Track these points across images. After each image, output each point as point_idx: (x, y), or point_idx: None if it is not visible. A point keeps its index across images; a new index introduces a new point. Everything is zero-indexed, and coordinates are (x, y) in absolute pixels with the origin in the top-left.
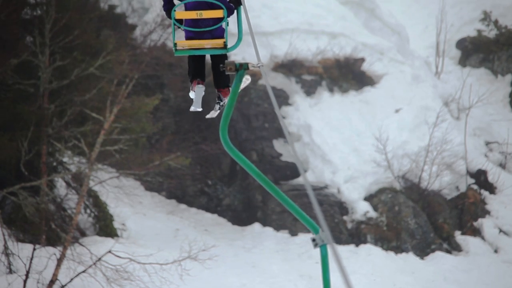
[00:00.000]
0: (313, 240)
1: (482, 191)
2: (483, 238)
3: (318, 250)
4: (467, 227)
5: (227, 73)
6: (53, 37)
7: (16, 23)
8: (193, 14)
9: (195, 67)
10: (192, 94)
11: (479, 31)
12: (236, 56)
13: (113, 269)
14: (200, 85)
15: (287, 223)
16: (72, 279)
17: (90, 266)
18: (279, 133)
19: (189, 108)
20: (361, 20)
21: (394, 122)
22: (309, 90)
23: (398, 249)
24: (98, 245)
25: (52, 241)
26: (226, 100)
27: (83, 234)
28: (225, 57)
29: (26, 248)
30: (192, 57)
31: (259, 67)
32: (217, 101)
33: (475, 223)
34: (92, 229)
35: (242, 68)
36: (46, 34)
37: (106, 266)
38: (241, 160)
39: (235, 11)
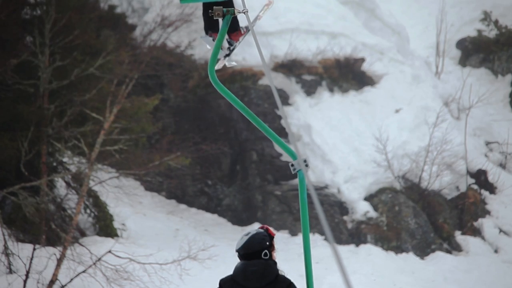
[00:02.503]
0: (292, 165)
1: (482, 191)
2: (483, 238)
3: (318, 250)
4: (467, 227)
5: (215, 18)
6: (53, 37)
7: (16, 23)
8: None
9: (207, 21)
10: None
11: (479, 31)
12: (236, 56)
13: (113, 269)
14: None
15: (287, 223)
16: (72, 279)
17: (90, 266)
18: (280, 133)
19: (189, 108)
20: (361, 20)
21: (394, 122)
22: (309, 90)
23: (398, 249)
24: (98, 245)
25: (52, 241)
26: (236, 44)
27: (83, 234)
28: (230, 3)
29: (26, 248)
30: (204, 8)
31: (244, 12)
32: (228, 46)
33: (475, 223)
34: (92, 229)
35: (229, 13)
36: (46, 34)
37: (106, 266)
38: (227, 95)
39: None
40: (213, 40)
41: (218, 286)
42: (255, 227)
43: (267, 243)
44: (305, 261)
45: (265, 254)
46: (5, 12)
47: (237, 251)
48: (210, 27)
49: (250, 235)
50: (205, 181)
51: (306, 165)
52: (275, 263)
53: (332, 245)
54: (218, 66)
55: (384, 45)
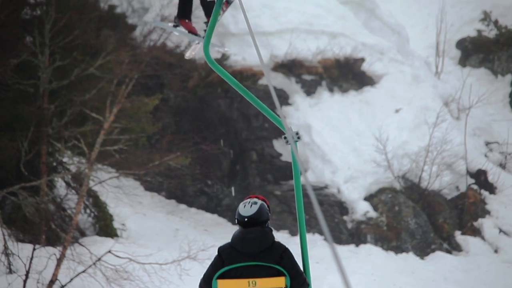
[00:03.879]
0: (285, 137)
1: (482, 191)
2: (483, 238)
3: (318, 250)
4: (467, 227)
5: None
6: (53, 37)
7: (16, 23)
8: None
9: (182, 7)
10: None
11: (479, 31)
12: (236, 56)
13: (113, 269)
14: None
15: (287, 223)
16: (72, 279)
17: (90, 266)
18: (279, 133)
19: (189, 108)
20: (361, 20)
21: (394, 122)
22: (309, 90)
23: (398, 249)
24: (98, 245)
25: (52, 241)
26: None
27: (83, 234)
28: None
29: (26, 248)
30: None
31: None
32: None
33: (475, 223)
34: (92, 229)
35: None
36: (46, 34)
37: (106, 266)
38: (221, 72)
39: None
40: (180, 27)
41: (217, 253)
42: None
43: (269, 214)
44: (300, 237)
45: (267, 223)
46: (5, 12)
47: (244, 218)
48: (183, 14)
49: (258, 205)
50: (205, 181)
51: (298, 138)
52: (271, 230)
53: (326, 234)
54: (189, 53)
55: (384, 45)
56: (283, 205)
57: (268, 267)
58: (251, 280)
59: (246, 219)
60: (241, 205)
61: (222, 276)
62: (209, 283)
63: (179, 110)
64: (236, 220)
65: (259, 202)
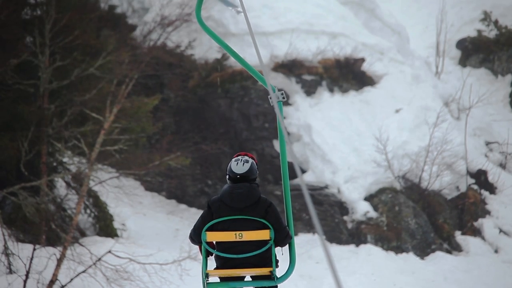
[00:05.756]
0: (270, 98)
1: (482, 191)
2: (483, 238)
3: (318, 250)
4: (467, 227)
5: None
6: (53, 37)
7: (16, 23)
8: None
9: None
10: None
11: (479, 31)
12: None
13: (113, 269)
14: None
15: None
16: (72, 279)
17: (90, 266)
18: (277, 133)
19: (189, 108)
20: (361, 20)
21: (394, 122)
22: (309, 90)
23: (398, 249)
24: (98, 245)
25: (52, 241)
26: None
27: (83, 234)
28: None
29: (26, 248)
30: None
31: (238, 12)
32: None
33: (475, 223)
34: (92, 229)
35: None
36: (46, 34)
37: (106, 266)
38: (213, 36)
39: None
40: None
41: (207, 206)
42: None
43: (257, 172)
44: (284, 194)
45: (255, 180)
46: (5, 12)
47: (237, 175)
48: None
49: (249, 164)
50: (205, 181)
51: (284, 98)
52: (258, 185)
53: (316, 226)
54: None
55: (384, 45)
56: (283, 205)
57: (254, 220)
58: (238, 232)
59: (238, 176)
60: (233, 162)
61: (210, 229)
62: (199, 233)
63: (179, 110)
64: (227, 176)
65: (250, 161)
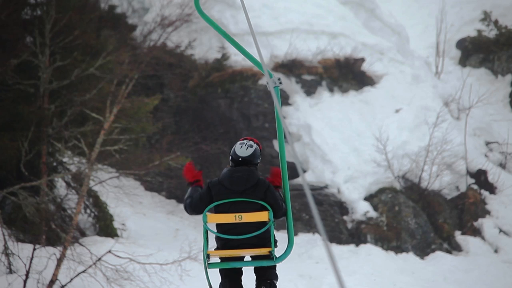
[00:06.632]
0: (267, 83)
1: (482, 191)
2: (483, 238)
3: (318, 250)
4: (467, 227)
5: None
6: (53, 37)
7: (16, 23)
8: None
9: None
10: None
11: (479, 31)
12: (236, 56)
13: (113, 269)
14: None
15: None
16: (72, 279)
17: (90, 266)
18: (277, 133)
19: (189, 108)
20: (361, 20)
21: (394, 122)
22: (309, 90)
23: (398, 249)
24: (98, 245)
25: (52, 241)
26: None
27: (83, 234)
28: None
29: (26, 248)
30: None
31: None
32: None
33: (475, 223)
34: (92, 229)
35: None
36: (46, 34)
37: (106, 266)
38: (210, 22)
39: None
40: None
41: (207, 186)
42: None
43: (260, 158)
44: (281, 169)
45: (257, 165)
46: (5, 12)
47: (239, 158)
48: None
49: (253, 148)
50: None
51: (280, 83)
52: (256, 169)
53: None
54: None
55: (384, 45)
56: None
57: (253, 202)
58: (237, 214)
59: (240, 159)
60: (238, 145)
61: (211, 210)
62: (197, 210)
63: (179, 110)
64: (230, 157)
65: (255, 146)
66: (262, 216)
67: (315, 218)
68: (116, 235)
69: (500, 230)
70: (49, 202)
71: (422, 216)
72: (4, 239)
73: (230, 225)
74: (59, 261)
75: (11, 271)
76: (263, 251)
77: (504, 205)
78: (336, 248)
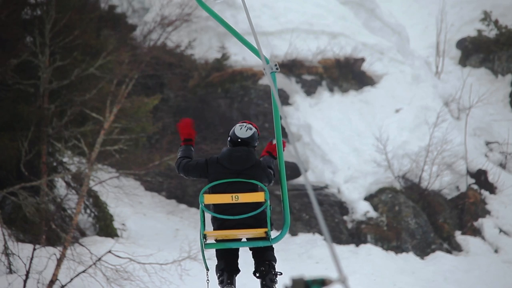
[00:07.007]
0: (264, 69)
1: (482, 191)
2: (483, 238)
3: (318, 250)
4: (467, 227)
5: None
6: (53, 37)
7: (16, 23)
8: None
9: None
10: None
11: (479, 31)
12: (236, 56)
13: (113, 269)
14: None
15: None
16: (72, 279)
17: (90, 266)
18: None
19: (189, 108)
20: (361, 20)
21: (394, 122)
22: (309, 90)
23: (398, 249)
24: (98, 245)
25: (52, 241)
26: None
27: (83, 234)
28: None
29: (26, 248)
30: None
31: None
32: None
33: (475, 223)
34: (92, 229)
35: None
36: (46, 34)
37: (106, 266)
38: (211, 13)
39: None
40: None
41: (205, 160)
42: None
43: (257, 141)
44: (277, 150)
45: (254, 148)
46: (5, 12)
47: (238, 139)
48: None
49: (252, 131)
50: (205, 181)
51: (277, 69)
52: (254, 150)
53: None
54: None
55: (384, 45)
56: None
57: (250, 183)
58: (234, 194)
59: (239, 140)
60: (237, 126)
61: (207, 191)
62: (187, 170)
63: (179, 110)
64: (229, 138)
65: (254, 129)
66: (258, 196)
67: (318, 219)
68: (116, 235)
69: (500, 230)
70: (49, 202)
71: (422, 216)
72: (4, 239)
73: (227, 206)
74: (59, 261)
75: (11, 271)
76: (259, 231)
77: (504, 205)
78: (336, 248)
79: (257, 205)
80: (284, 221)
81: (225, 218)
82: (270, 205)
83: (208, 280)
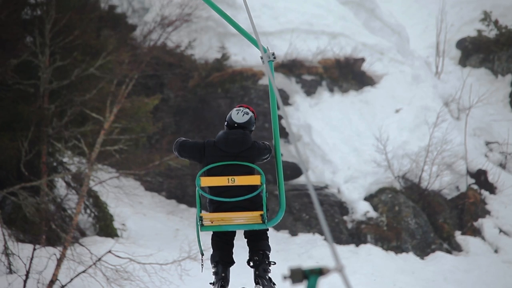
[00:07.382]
0: (261, 57)
1: (482, 191)
2: (483, 238)
3: (318, 250)
4: (467, 227)
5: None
6: (53, 37)
7: (16, 23)
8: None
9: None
10: None
11: (479, 31)
12: (236, 56)
13: (113, 269)
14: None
15: (287, 223)
16: (72, 279)
17: (90, 266)
18: (279, 133)
19: (189, 108)
20: (361, 20)
21: (394, 122)
22: (309, 90)
23: (398, 249)
24: (98, 245)
25: (52, 241)
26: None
27: (83, 234)
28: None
29: (26, 248)
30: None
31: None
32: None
33: (475, 223)
34: (92, 229)
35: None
36: (46, 34)
37: (106, 266)
38: (211, 4)
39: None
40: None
41: (202, 142)
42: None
43: (254, 126)
44: (273, 133)
45: (250, 133)
46: (5, 12)
47: (235, 123)
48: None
49: (249, 116)
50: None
51: (274, 58)
52: (251, 132)
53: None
54: None
55: (384, 45)
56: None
57: (246, 166)
58: (230, 177)
59: (236, 124)
60: (234, 111)
61: (204, 174)
62: (183, 150)
63: (179, 110)
64: (225, 123)
65: (250, 114)
66: (254, 179)
67: (320, 219)
68: (116, 235)
69: (500, 230)
70: (49, 202)
71: (422, 216)
72: (4, 239)
73: (223, 188)
74: (59, 261)
75: (11, 271)
76: (255, 214)
77: (504, 205)
78: (336, 248)
79: (253, 188)
80: (279, 205)
81: (221, 200)
82: (266, 190)
83: (202, 264)
